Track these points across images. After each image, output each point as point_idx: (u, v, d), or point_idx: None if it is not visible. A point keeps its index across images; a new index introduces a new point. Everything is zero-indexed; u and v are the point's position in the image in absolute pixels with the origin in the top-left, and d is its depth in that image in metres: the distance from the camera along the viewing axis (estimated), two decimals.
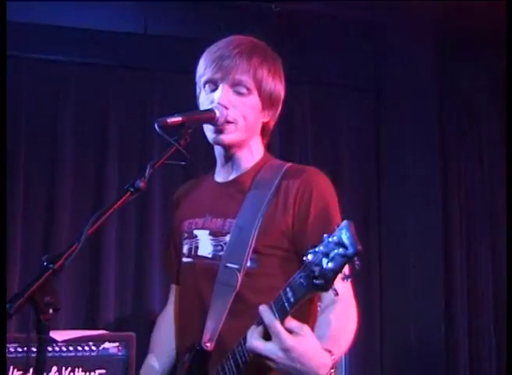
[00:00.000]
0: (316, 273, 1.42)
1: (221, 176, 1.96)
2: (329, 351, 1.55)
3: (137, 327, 3.18)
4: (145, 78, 3.63)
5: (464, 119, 4.00)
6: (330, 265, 1.40)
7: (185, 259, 1.92)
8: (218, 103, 1.80)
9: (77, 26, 3.51)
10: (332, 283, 1.42)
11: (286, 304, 1.50)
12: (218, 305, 1.77)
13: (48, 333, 1.35)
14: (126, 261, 3.50)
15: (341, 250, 1.38)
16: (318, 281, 1.42)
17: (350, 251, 1.38)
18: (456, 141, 4.03)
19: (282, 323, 1.51)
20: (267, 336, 1.52)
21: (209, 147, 1.97)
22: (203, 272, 1.84)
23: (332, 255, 1.40)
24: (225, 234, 1.82)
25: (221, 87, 1.82)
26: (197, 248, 1.88)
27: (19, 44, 3.40)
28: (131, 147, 3.49)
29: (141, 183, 1.55)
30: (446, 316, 3.79)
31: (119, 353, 2.80)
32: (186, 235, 1.93)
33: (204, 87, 1.87)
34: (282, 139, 3.67)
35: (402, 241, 3.79)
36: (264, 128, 1.95)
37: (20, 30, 3.41)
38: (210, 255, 1.84)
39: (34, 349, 2.67)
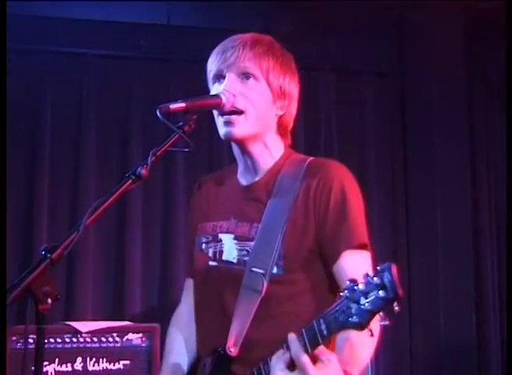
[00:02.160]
0: (353, 311, 1.42)
1: (243, 178, 1.91)
2: (348, 373, 1.56)
3: (163, 319, 3.17)
4: (168, 69, 3.61)
5: (494, 105, 3.90)
6: (368, 305, 1.39)
7: (211, 263, 1.88)
8: (224, 89, 1.76)
9: (100, 18, 3.51)
10: (369, 323, 1.41)
11: (319, 336, 1.48)
12: (243, 311, 1.74)
13: (46, 323, 1.32)
14: (151, 253, 3.50)
15: (381, 292, 1.38)
16: (353, 320, 1.42)
17: (391, 295, 1.38)
18: (485, 127, 3.94)
19: (312, 352, 1.50)
20: (292, 363, 1.52)
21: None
22: (227, 277, 1.81)
23: (371, 295, 1.39)
24: (251, 239, 1.79)
25: (227, 76, 1.79)
26: (221, 252, 1.85)
27: (42, 38, 3.44)
28: (154, 137, 3.48)
29: (143, 171, 1.51)
30: (477, 306, 3.71)
31: (143, 344, 2.81)
32: (210, 238, 1.90)
33: (214, 82, 1.84)
34: (306, 128, 3.63)
35: (430, 232, 3.73)
36: (280, 125, 1.88)
37: (44, 24, 3.45)
38: (235, 260, 1.81)
39: (59, 340, 2.72)
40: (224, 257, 1.84)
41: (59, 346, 2.74)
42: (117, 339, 2.79)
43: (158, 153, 1.56)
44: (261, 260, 1.74)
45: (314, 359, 1.51)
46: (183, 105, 1.63)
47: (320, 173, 1.78)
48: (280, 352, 1.54)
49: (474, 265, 3.74)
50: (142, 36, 3.55)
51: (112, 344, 2.78)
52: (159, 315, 3.37)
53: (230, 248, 1.83)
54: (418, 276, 3.75)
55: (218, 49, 1.84)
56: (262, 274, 1.72)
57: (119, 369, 2.77)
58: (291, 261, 1.74)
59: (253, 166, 1.87)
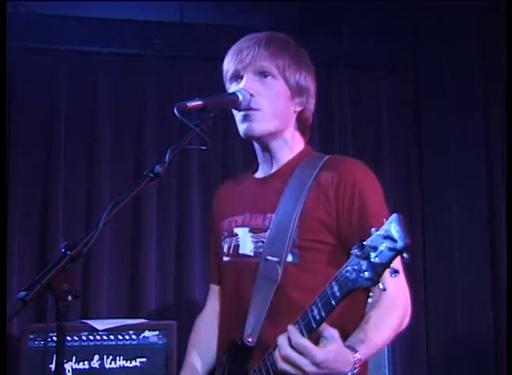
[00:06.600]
0: (363, 267, 1.40)
1: (261, 171, 1.93)
2: (353, 349, 1.55)
3: (178, 316, 3.19)
4: (181, 66, 3.62)
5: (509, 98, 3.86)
6: (378, 259, 1.38)
7: (225, 258, 1.89)
8: (242, 88, 1.78)
9: (114, 16, 3.53)
10: (380, 277, 1.39)
11: (332, 300, 1.48)
12: (259, 300, 1.74)
13: (67, 320, 1.33)
14: (166, 250, 3.50)
15: (389, 243, 1.36)
16: (365, 275, 1.40)
17: (399, 244, 1.35)
18: (500, 121, 3.89)
19: (324, 320, 1.49)
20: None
21: (247, 143, 1.94)
22: (245, 270, 1.81)
23: (380, 248, 1.37)
24: (265, 230, 1.79)
25: (245, 76, 1.81)
26: (237, 246, 1.86)
27: (57, 37, 3.45)
28: (168, 136, 3.48)
29: (161, 169, 1.52)
30: (494, 302, 3.68)
31: (159, 342, 2.82)
32: (226, 234, 1.91)
33: (231, 83, 1.85)
34: (320, 125, 3.62)
35: (446, 226, 3.70)
36: (300, 120, 1.90)
37: (58, 23, 3.46)
38: (252, 253, 1.81)
39: (76, 338, 2.73)
40: (241, 251, 1.84)
41: (76, 344, 2.76)
42: (133, 337, 2.80)
43: (175, 151, 1.56)
44: (275, 248, 1.74)
45: (317, 339, 1.51)
46: (200, 103, 1.64)
47: (342, 169, 1.78)
48: (281, 341, 1.53)
49: (490, 261, 3.70)
50: (156, 34, 3.55)
51: (128, 342, 2.80)
52: (175, 312, 3.38)
53: (246, 242, 1.83)
54: (434, 273, 3.73)
55: (233, 49, 1.85)
56: (277, 262, 1.72)
57: (136, 366, 2.79)
58: (307, 250, 1.73)
59: (271, 160, 1.89)
